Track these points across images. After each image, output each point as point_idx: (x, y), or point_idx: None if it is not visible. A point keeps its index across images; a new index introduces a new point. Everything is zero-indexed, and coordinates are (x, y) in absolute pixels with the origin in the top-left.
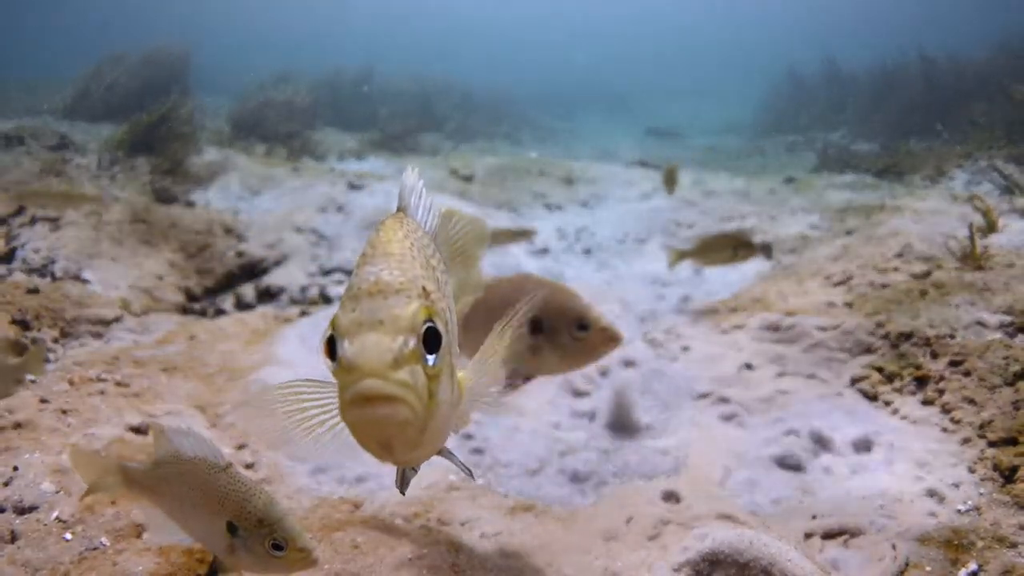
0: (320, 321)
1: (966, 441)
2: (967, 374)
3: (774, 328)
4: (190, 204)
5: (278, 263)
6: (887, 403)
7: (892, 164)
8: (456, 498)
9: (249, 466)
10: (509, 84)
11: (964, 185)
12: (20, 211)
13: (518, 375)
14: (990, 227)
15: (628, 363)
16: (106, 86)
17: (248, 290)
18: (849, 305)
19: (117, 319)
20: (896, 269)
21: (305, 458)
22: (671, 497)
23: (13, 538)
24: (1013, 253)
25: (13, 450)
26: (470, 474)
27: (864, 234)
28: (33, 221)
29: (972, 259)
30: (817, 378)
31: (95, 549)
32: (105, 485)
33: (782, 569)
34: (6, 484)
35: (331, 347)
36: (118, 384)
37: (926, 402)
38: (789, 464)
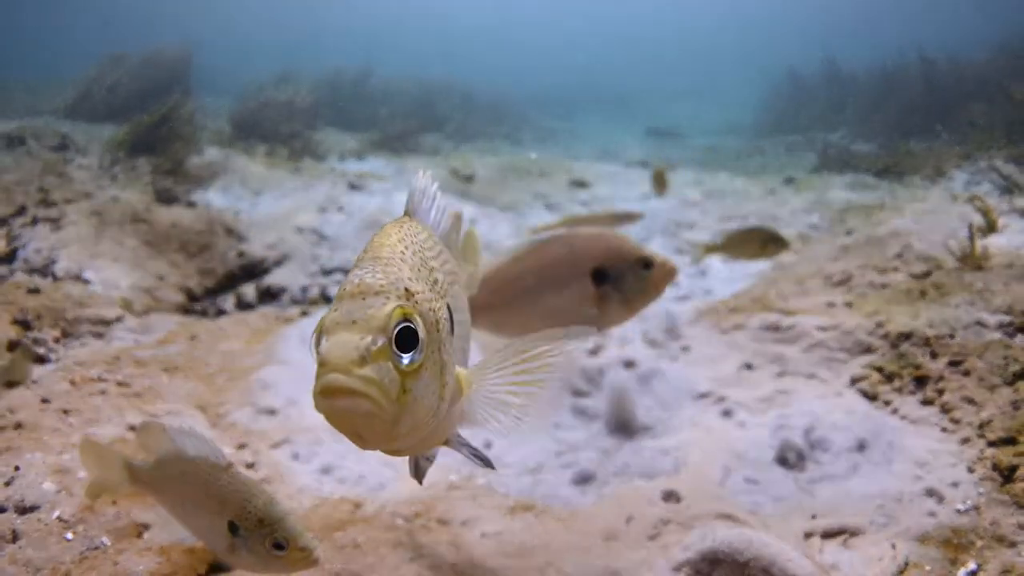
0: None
1: (965, 441)
2: (966, 374)
3: (774, 328)
4: (191, 204)
5: (279, 263)
6: (887, 403)
7: (892, 164)
8: (456, 498)
9: (250, 466)
10: (509, 84)
11: (964, 185)
12: (21, 211)
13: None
14: (990, 227)
15: (628, 363)
16: (107, 87)
17: (249, 290)
18: (849, 305)
19: (118, 319)
20: (896, 269)
21: None
22: (671, 497)
23: (14, 537)
24: (1013, 253)
25: (14, 450)
26: (488, 463)
27: (864, 234)
28: (34, 221)
29: (972, 259)
30: (817, 378)
31: (96, 549)
32: (109, 480)
33: (782, 569)
34: (7, 484)
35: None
36: (119, 384)
37: (925, 402)
38: (789, 464)
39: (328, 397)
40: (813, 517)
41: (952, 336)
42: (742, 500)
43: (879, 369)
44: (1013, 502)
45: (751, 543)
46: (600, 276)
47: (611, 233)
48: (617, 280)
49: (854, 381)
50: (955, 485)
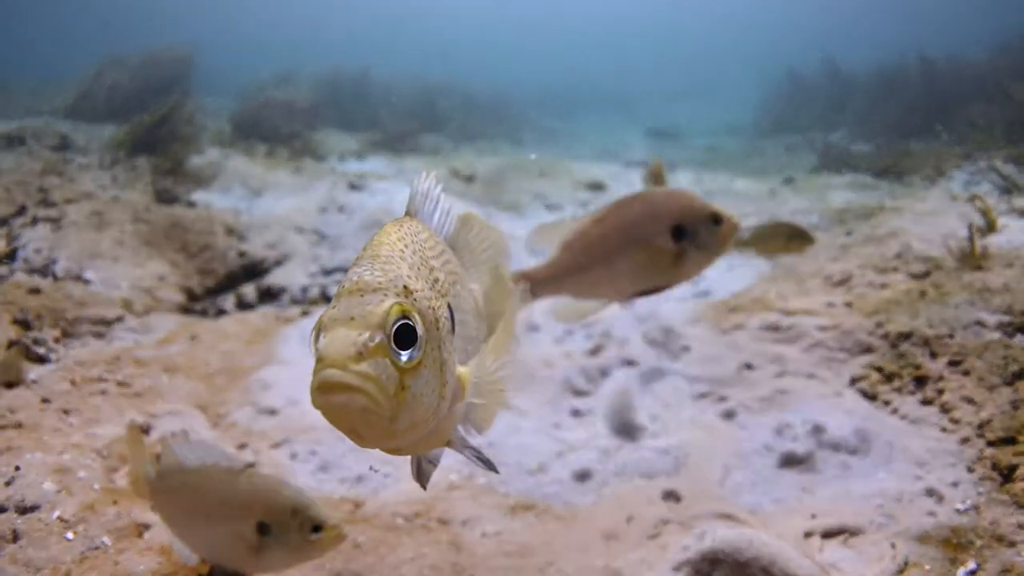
0: None
1: (965, 440)
2: (966, 374)
3: (774, 328)
4: (191, 204)
5: (279, 263)
6: (886, 403)
7: (891, 164)
8: (457, 497)
9: (251, 465)
10: (510, 85)
11: (963, 185)
12: (22, 211)
13: (648, 292)
14: (989, 227)
15: (628, 363)
16: (107, 87)
17: (249, 290)
18: (849, 305)
19: (118, 319)
20: (895, 269)
21: None
22: (671, 496)
23: (15, 537)
24: (1012, 253)
25: (15, 450)
26: (490, 466)
27: (863, 234)
28: (35, 221)
29: (971, 259)
30: (817, 378)
31: (96, 548)
32: (137, 478)
33: (782, 568)
34: (8, 484)
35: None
36: (120, 384)
37: (925, 402)
38: (789, 463)
39: (325, 393)
40: (813, 517)
41: (952, 336)
42: (742, 500)
43: (879, 369)
44: (1012, 502)
45: (751, 543)
46: (678, 232)
47: (682, 191)
48: (693, 236)
49: (854, 381)
50: (955, 485)
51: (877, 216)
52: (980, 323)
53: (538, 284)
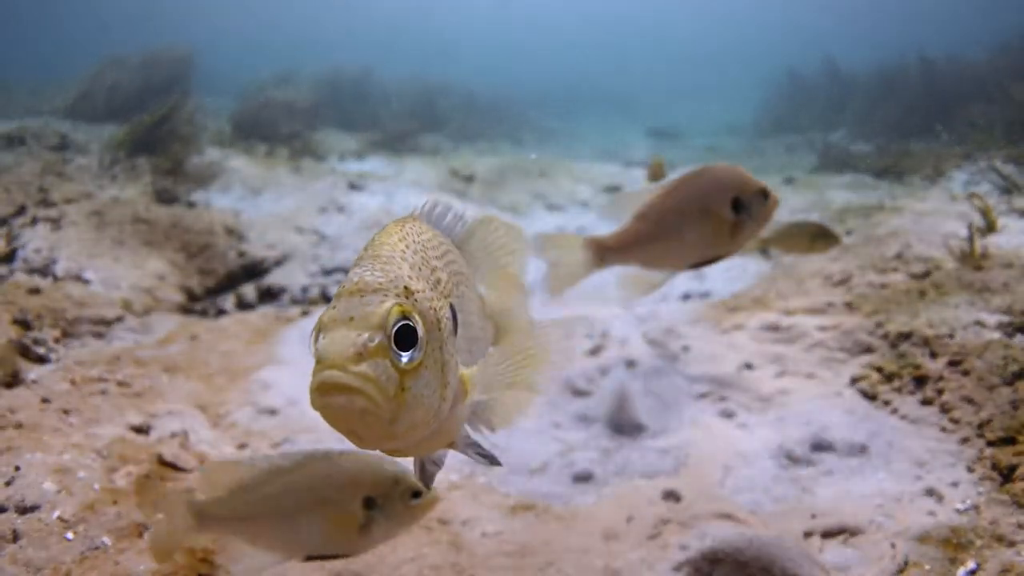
0: None
1: (965, 440)
2: (966, 374)
3: (774, 328)
4: (191, 204)
5: (279, 263)
6: (886, 402)
7: (892, 165)
8: (457, 497)
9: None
10: (510, 85)
11: (963, 185)
12: (21, 211)
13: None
14: (989, 227)
15: (628, 363)
16: (107, 87)
17: (249, 290)
18: (849, 305)
19: (118, 319)
20: (895, 269)
21: None
22: (671, 496)
23: (15, 537)
24: (1012, 253)
25: (15, 450)
26: (495, 460)
27: (863, 234)
28: (34, 221)
29: (971, 259)
30: (817, 378)
31: (97, 548)
32: (174, 529)
33: (782, 568)
34: (8, 484)
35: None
36: (120, 384)
37: (925, 402)
38: (789, 463)
39: (324, 394)
40: (813, 517)
41: (951, 336)
42: (742, 500)
43: (879, 369)
44: (1012, 501)
45: (751, 543)
46: (736, 205)
47: (736, 166)
48: (748, 208)
49: (854, 381)
50: (954, 485)
51: (877, 216)
52: (980, 323)
53: (611, 252)
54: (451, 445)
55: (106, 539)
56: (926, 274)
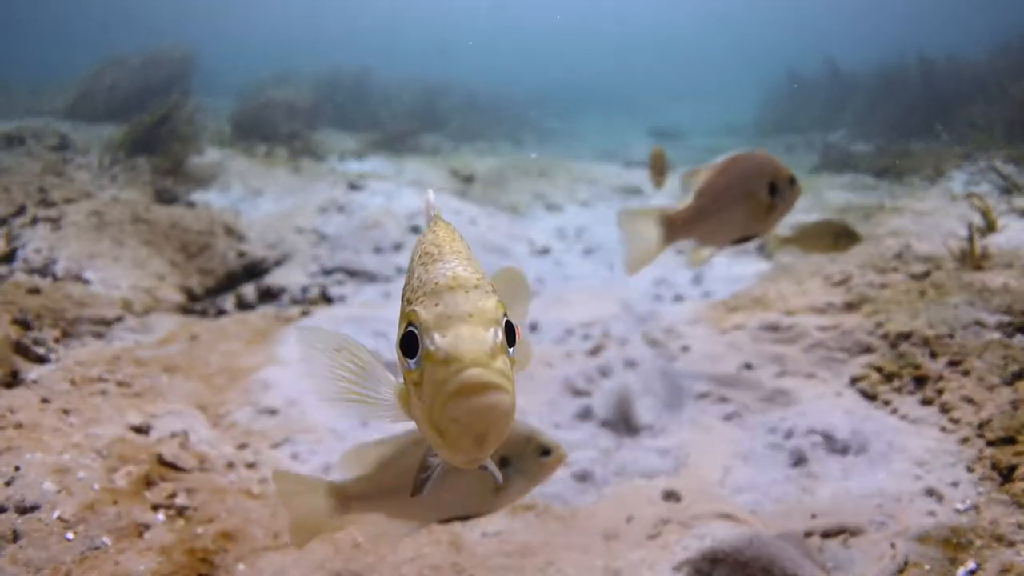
0: (321, 321)
1: (965, 440)
2: (966, 374)
3: (774, 328)
4: (191, 204)
5: (279, 263)
6: (886, 403)
7: (891, 165)
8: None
9: (251, 465)
10: (510, 85)
11: (963, 185)
12: (21, 211)
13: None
14: (989, 227)
15: (628, 363)
16: (107, 87)
17: (249, 290)
18: (848, 305)
19: (118, 319)
20: (895, 269)
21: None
22: (671, 496)
23: (15, 537)
24: (1012, 253)
25: (15, 450)
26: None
27: (863, 234)
28: (34, 221)
29: (971, 259)
30: (816, 378)
31: (97, 548)
32: (315, 515)
33: (782, 568)
34: (8, 484)
35: (407, 344)
36: (119, 384)
37: (925, 402)
38: (789, 463)
39: (471, 395)
40: (813, 517)
41: (951, 336)
42: (742, 500)
43: (879, 369)
44: (1012, 501)
45: (751, 543)
46: (772, 189)
47: (771, 154)
48: (780, 192)
49: (854, 381)
50: (954, 485)
51: (877, 216)
52: (980, 323)
53: (677, 225)
54: None
55: (106, 539)
56: (926, 274)
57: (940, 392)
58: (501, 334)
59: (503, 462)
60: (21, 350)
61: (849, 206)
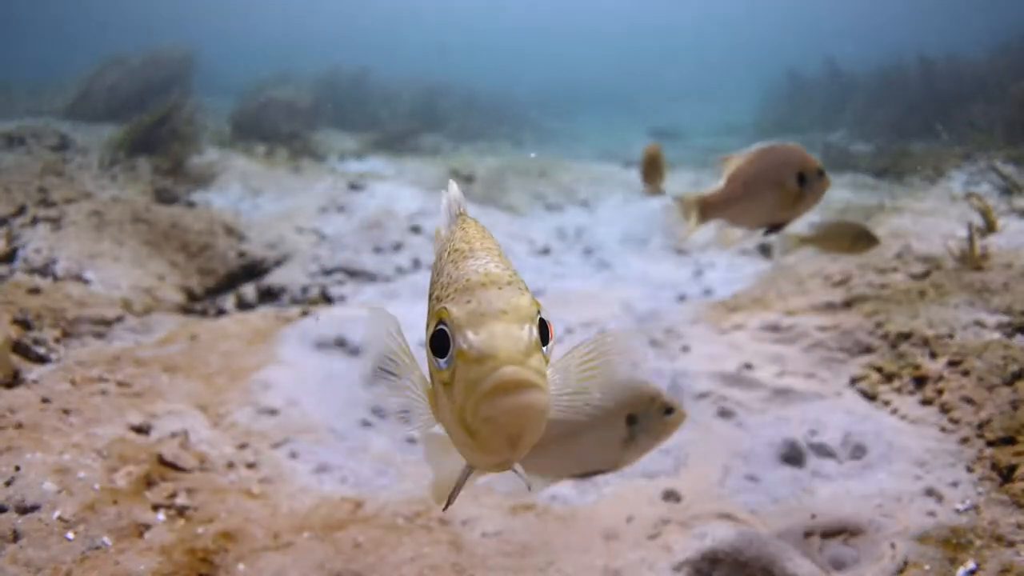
0: (321, 320)
1: (964, 440)
2: (966, 374)
3: (774, 328)
4: (191, 204)
5: (279, 263)
6: (886, 403)
7: (891, 165)
8: (457, 497)
9: (251, 465)
10: (510, 85)
11: (963, 186)
12: (21, 211)
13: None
14: (989, 227)
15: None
16: (107, 87)
17: (249, 290)
18: (848, 305)
19: (118, 319)
20: (895, 269)
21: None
22: (671, 496)
23: (15, 537)
24: (1012, 253)
25: (15, 450)
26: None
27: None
28: (34, 221)
29: (971, 259)
30: (816, 378)
31: (97, 548)
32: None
33: (782, 568)
34: (8, 484)
35: (437, 343)
36: (120, 384)
37: (925, 402)
38: (789, 463)
39: (507, 394)
40: (813, 517)
41: (951, 336)
42: (742, 500)
43: (878, 369)
44: (1012, 502)
45: (751, 543)
46: (800, 179)
47: (795, 145)
48: (808, 182)
49: (854, 381)
50: (954, 485)
51: (877, 216)
52: (980, 323)
53: (711, 207)
54: None
55: (106, 539)
56: (926, 274)
57: (940, 392)
58: (536, 332)
59: (630, 419)
60: (21, 350)
61: (849, 206)
